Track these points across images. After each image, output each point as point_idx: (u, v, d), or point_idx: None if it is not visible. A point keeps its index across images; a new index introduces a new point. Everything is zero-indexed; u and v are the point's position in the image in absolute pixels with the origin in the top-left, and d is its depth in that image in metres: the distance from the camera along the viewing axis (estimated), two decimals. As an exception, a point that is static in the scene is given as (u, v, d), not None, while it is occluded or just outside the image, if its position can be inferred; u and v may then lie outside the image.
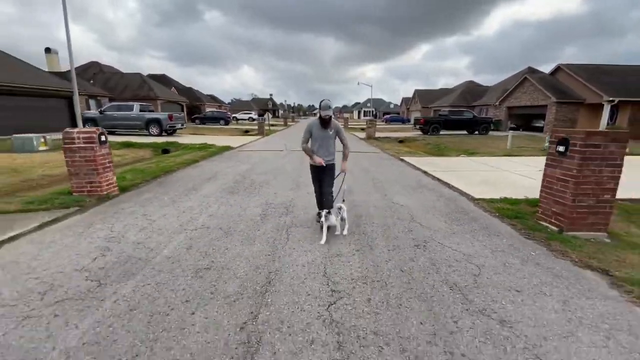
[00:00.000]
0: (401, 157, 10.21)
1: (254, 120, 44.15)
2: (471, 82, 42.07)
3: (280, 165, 8.53)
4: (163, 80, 39.03)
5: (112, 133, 15.97)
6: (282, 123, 38.33)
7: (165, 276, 2.67)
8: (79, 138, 4.92)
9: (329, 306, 2.29)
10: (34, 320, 2.11)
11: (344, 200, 3.84)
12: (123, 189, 5.59)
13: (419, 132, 21.36)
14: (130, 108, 16.79)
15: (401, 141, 17.15)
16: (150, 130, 16.38)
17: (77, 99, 11.69)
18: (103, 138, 5.16)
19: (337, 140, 3.85)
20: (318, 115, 3.67)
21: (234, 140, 15.36)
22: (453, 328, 2.09)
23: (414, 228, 3.92)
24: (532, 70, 29.02)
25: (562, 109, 21.42)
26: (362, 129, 24.36)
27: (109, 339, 1.94)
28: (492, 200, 5.10)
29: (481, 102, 32.57)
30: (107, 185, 5.23)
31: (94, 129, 5.07)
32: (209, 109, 41.49)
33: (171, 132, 17.16)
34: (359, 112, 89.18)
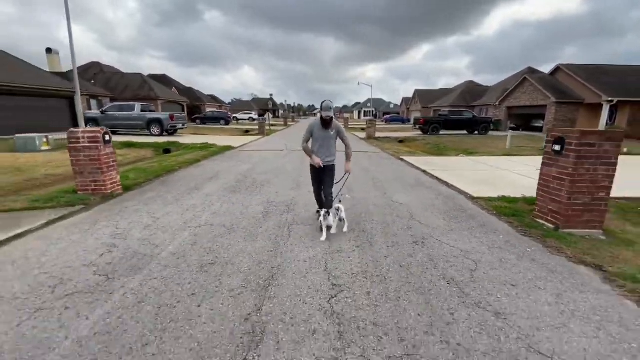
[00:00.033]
0: (401, 157, 10.29)
1: (254, 120, 44.25)
2: (471, 82, 42.14)
3: (281, 165, 8.61)
4: (164, 80, 39.14)
5: (113, 133, 15.90)
6: (283, 123, 38.42)
7: (171, 271, 2.76)
8: (83, 137, 5.00)
9: (330, 299, 2.37)
10: (46, 312, 2.20)
11: (340, 201, 3.89)
12: (126, 188, 5.68)
13: (419, 132, 21.44)
14: (132, 108, 16.89)
15: (401, 141, 17.23)
16: (152, 130, 16.47)
17: (79, 99, 11.79)
18: (107, 137, 5.24)
19: (339, 141, 3.89)
20: (319, 115, 3.72)
21: (235, 140, 15.45)
22: (449, 319, 2.17)
23: (413, 225, 4.00)
24: (531, 71, 29.11)
25: (561, 109, 21.50)
26: (362, 129, 24.45)
27: (120, 329, 2.02)
28: (490, 199, 5.18)
29: (481, 102, 32.65)
30: (111, 184, 5.31)
31: (98, 128, 5.15)
32: (209, 109, 41.59)
33: (172, 132, 17.25)
34: (359, 112, 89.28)
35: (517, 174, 7.42)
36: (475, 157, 10.61)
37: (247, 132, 22.04)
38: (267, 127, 22.19)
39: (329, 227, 3.56)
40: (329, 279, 2.67)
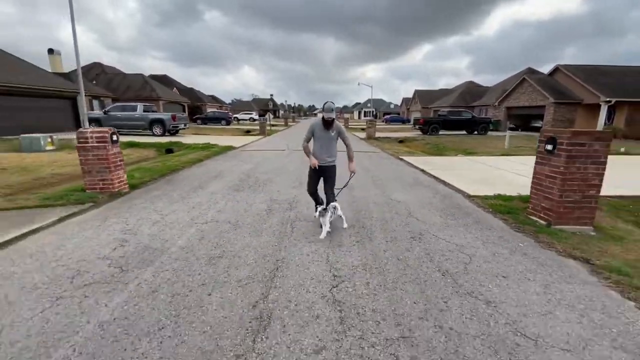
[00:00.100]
0: (400, 157, 10.45)
1: (254, 120, 44.45)
2: (471, 82, 42.32)
3: (283, 164, 8.77)
4: (165, 80, 39.33)
5: (116, 133, 16.21)
6: (283, 123, 38.60)
7: (181, 263, 2.92)
8: (92, 137, 5.17)
9: (331, 288, 2.53)
10: (67, 300, 2.36)
11: (335, 199, 3.89)
12: (132, 187, 5.84)
13: (419, 132, 21.60)
14: (134, 108, 17.06)
15: (401, 141, 17.39)
16: (154, 130, 16.63)
17: (83, 99, 11.96)
18: (114, 137, 5.41)
19: (340, 142, 3.92)
20: (321, 116, 3.79)
21: (236, 140, 15.61)
22: (443, 307, 2.33)
23: (411, 222, 4.16)
24: (531, 71, 29.27)
25: (560, 109, 21.66)
26: (363, 129, 24.61)
27: (137, 315, 2.18)
28: (486, 197, 5.34)
29: (481, 103, 32.81)
30: (119, 182, 5.48)
31: (106, 129, 5.31)
32: (210, 110, 41.79)
33: (174, 132, 17.42)
34: (360, 113, 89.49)
35: (514, 173, 7.57)
36: (474, 156, 10.76)
37: (248, 132, 22.20)
38: (268, 128, 22.36)
39: (325, 224, 3.60)
40: (330, 270, 2.83)
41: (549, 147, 4.00)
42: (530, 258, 3.17)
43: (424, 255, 3.19)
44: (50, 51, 27.81)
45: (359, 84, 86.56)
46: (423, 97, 46.46)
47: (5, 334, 1.99)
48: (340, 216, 3.88)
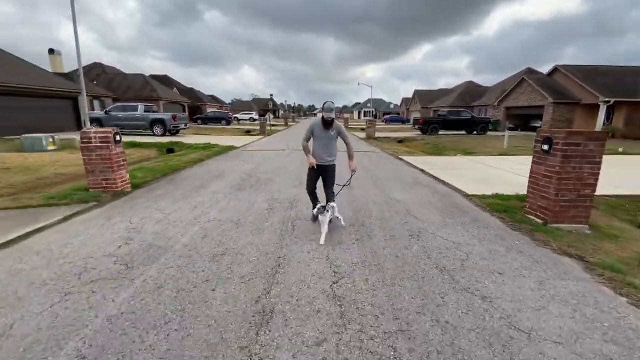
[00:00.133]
0: (400, 157, 10.52)
1: (255, 120, 44.55)
2: (471, 82, 42.40)
3: (283, 164, 8.85)
4: (165, 81, 39.40)
5: (117, 133, 16.30)
6: (283, 123, 38.68)
7: (186, 260, 2.99)
8: (95, 138, 5.24)
9: (332, 284, 2.61)
10: (75, 295, 2.43)
11: (334, 201, 3.90)
12: (135, 186, 5.91)
13: (418, 133, 21.67)
14: (135, 109, 17.13)
15: (400, 141, 17.46)
16: (155, 130, 16.70)
17: (85, 100, 12.03)
18: (118, 138, 5.48)
19: (340, 141, 3.94)
20: (321, 116, 3.82)
21: (237, 140, 15.69)
22: (440, 302, 2.40)
23: (410, 221, 4.23)
24: (530, 71, 29.36)
25: (559, 109, 21.74)
26: (362, 129, 24.69)
27: (144, 309, 2.25)
28: (484, 197, 5.41)
29: (480, 103, 32.89)
30: (122, 182, 5.55)
31: (109, 129, 5.38)
32: (210, 110, 41.88)
33: (175, 132, 17.49)
34: (359, 113, 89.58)
35: (513, 173, 7.65)
36: (473, 157, 10.84)
37: (248, 133, 22.27)
38: (269, 128, 22.44)
39: (324, 224, 3.58)
40: (330, 267, 2.90)
41: (545, 147, 4.07)
42: (526, 256, 3.25)
43: (422, 252, 3.26)
44: (51, 51, 27.87)
45: (359, 84, 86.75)
46: (423, 97, 46.54)
47: (17, 328, 2.07)
48: (338, 217, 3.84)
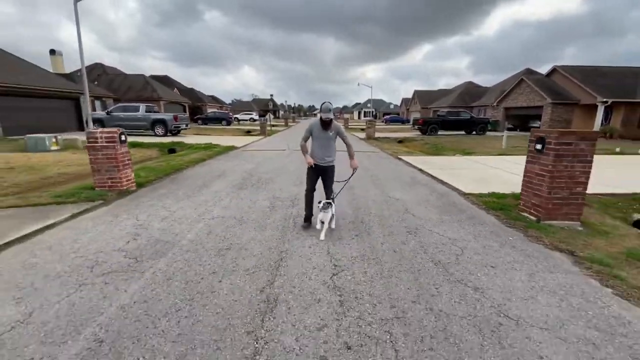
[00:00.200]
0: (399, 157, 10.66)
1: (255, 120, 44.70)
2: (470, 83, 42.58)
3: (284, 164, 8.98)
4: (165, 81, 39.55)
5: (118, 133, 16.44)
6: (283, 123, 38.83)
7: (192, 255, 3.13)
8: (101, 137, 5.37)
9: (332, 276, 2.75)
10: (89, 286, 2.57)
11: (333, 199, 3.95)
12: (139, 185, 6.04)
13: (418, 133, 21.82)
14: (137, 109, 17.27)
15: (400, 141, 17.60)
16: (156, 130, 16.84)
17: (87, 100, 12.16)
18: (123, 137, 5.62)
19: (339, 142, 3.96)
20: (319, 116, 3.83)
21: (238, 140, 15.82)
22: (434, 292, 2.54)
23: (407, 218, 4.37)
24: (529, 72, 29.53)
25: (557, 109, 21.90)
26: (362, 130, 24.83)
27: (155, 299, 2.39)
28: (480, 195, 5.55)
29: (480, 103, 33.06)
30: (127, 181, 5.68)
31: (115, 129, 5.52)
32: (210, 110, 42.03)
33: (176, 132, 17.63)
34: (359, 113, 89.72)
35: (510, 172, 7.78)
36: (472, 156, 10.98)
37: (248, 133, 22.41)
38: (269, 128, 22.57)
39: (322, 222, 3.68)
40: (331, 261, 3.04)
41: (539, 146, 4.21)
42: (518, 250, 3.39)
43: (419, 247, 3.40)
44: (52, 52, 27.98)
45: (358, 84, 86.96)
46: (422, 97, 46.72)
47: (36, 315, 2.20)
48: (333, 214, 3.85)
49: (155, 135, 16.72)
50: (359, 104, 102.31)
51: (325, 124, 3.74)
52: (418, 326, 2.13)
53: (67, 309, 2.26)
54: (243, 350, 1.89)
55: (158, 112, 19.09)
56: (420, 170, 8.11)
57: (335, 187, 4.06)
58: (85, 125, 17.87)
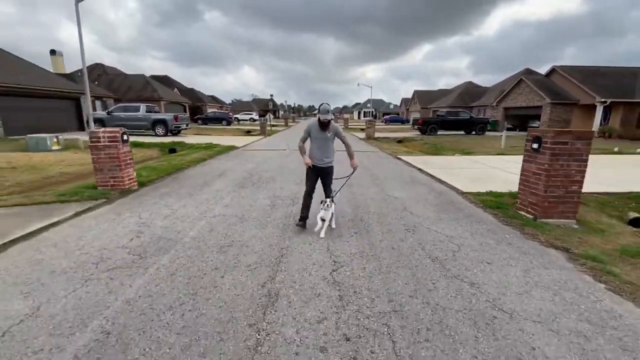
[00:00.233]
0: (399, 156, 10.72)
1: (255, 120, 44.77)
2: (470, 83, 42.67)
3: (284, 163, 9.05)
4: (165, 81, 39.62)
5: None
6: (283, 123, 38.90)
7: (195, 251, 3.19)
8: (104, 137, 5.44)
9: (331, 272, 2.81)
10: (94, 281, 2.63)
11: (333, 198, 3.94)
12: (141, 184, 6.11)
13: (418, 133, 21.88)
14: (137, 109, 17.33)
15: (400, 141, 17.67)
16: (156, 130, 16.90)
17: (89, 100, 12.23)
18: (125, 137, 5.68)
19: (339, 142, 3.95)
20: (317, 117, 3.84)
21: (238, 140, 15.89)
22: (431, 287, 2.61)
23: (406, 216, 4.44)
24: (528, 72, 29.61)
25: (556, 109, 21.97)
26: (362, 130, 24.89)
27: (159, 293, 2.46)
28: (478, 194, 5.62)
29: (479, 103, 33.14)
30: (129, 180, 5.75)
31: (117, 129, 5.59)
32: (210, 110, 42.10)
33: (176, 132, 17.69)
34: (359, 113, 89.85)
35: (508, 171, 7.86)
36: (471, 156, 11.05)
37: (248, 133, 22.47)
38: (269, 128, 22.64)
39: (322, 220, 3.71)
40: (330, 257, 3.11)
41: (535, 145, 4.28)
42: (514, 247, 3.45)
43: (417, 244, 3.47)
44: (53, 52, 28.02)
45: (358, 84, 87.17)
46: (422, 97, 46.79)
47: (44, 309, 2.27)
48: (333, 213, 3.89)
49: (156, 135, 16.79)
50: (359, 104, 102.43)
51: (324, 125, 3.75)
52: (415, 319, 2.19)
53: (74, 303, 2.33)
54: (245, 342, 1.96)
55: (158, 112, 19.16)
56: (420, 169, 8.17)
57: (335, 185, 4.11)
58: (85, 125, 17.94)
